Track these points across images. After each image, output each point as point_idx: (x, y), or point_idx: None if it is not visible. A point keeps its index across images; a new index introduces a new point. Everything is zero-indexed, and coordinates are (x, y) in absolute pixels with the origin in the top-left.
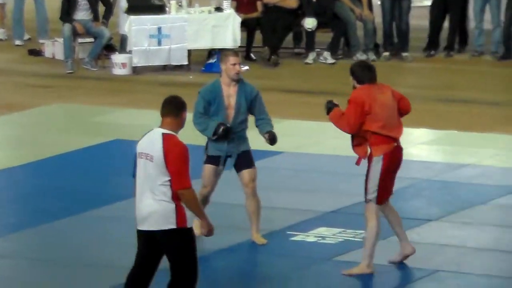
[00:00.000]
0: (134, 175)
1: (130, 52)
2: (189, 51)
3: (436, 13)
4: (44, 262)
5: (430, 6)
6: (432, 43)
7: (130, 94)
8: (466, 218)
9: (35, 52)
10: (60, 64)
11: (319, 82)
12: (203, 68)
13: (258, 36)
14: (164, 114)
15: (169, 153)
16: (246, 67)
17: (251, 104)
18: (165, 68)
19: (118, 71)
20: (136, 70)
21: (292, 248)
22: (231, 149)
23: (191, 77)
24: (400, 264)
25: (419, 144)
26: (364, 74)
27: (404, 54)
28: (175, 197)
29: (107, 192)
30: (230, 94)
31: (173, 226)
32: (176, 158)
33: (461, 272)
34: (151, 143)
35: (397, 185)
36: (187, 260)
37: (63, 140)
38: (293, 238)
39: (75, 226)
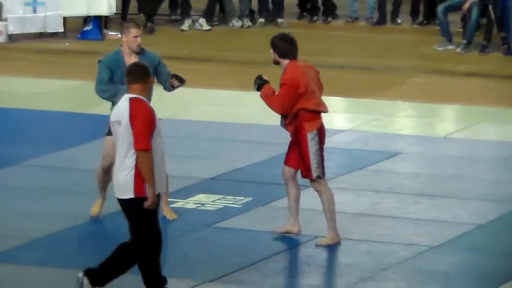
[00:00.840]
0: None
1: (5, 19)
2: (65, 18)
3: None
4: None
5: None
6: (303, 10)
7: (6, 61)
8: (344, 183)
9: None
10: None
11: (195, 49)
12: (79, 36)
13: (133, 3)
14: (130, 81)
15: (133, 114)
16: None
17: (155, 71)
18: (41, 35)
19: None
20: (12, 37)
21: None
22: None
23: (67, 44)
24: None
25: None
26: (287, 48)
27: (280, 20)
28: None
29: None
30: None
31: (131, 196)
32: (140, 119)
33: (341, 237)
34: (119, 110)
35: (275, 150)
36: (138, 229)
37: None
38: (172, 205)
39: None
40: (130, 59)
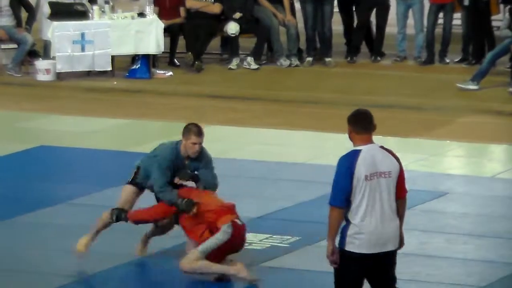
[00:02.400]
0: None
1: (53, 58)
2: (113, 57)
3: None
4: None
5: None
6: (353, 49)
7: (54, 100)
8: None
9: None
10: None
11: (243, 88)
12: (127, 74)
13: (181, 41)
14: (369, 129)
15: (401, 167)
16: (170, 73)
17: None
18: (89, 74)
19: (42, 77)
20: (60, 76)
21: None
22: None
23: (115, 83)
24: None
25: (343, 150)
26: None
27: (327, 59)
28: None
29: (32, 198)
30: (185, 165)
31: (398, 246)
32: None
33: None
34: (385, 161)
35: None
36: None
37: None
38: None
39: (0, 232)
40: (186, 160)
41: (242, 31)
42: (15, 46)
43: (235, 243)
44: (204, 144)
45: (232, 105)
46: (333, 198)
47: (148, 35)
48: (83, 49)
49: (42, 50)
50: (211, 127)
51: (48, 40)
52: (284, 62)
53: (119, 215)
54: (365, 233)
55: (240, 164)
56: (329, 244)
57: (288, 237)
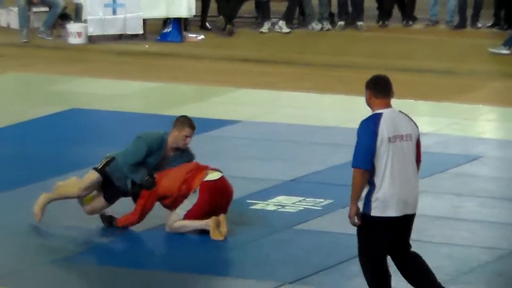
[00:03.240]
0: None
1: (85, 21)
2: (144, 20)
3: None
4: (5, 228)
5: None
6: (384, 13)
7: (86, 63)
8: (425, 186)
9: None
10: (15, 33)
11: (274, 51)
12: (159, 37)
13: (213, 5)
14: (388, 94)
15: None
16: (202, 37)
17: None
18: (120, 37)
19: (73, 40)
20: (91, 39)
21: (252, 217)
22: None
23: (146, 46)
24: None
25: None
26: None
27: (359, 23)
28: None
29: (65, 160)
30: (167, 156)
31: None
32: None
33: (421, 240)
34: (403, 123)
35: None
36: None
37: (19, 109)
38: (253, 207)
39: (34, 194)
40: (169, 151)
41: None
42: (46, 9)
43: (217, 198)
44: (235, 108)
45: (263, 68)
46: (357, 160)
47: None
48: (114, 12)
49: (74, 13)
50: (242, 90)
51: (79, 3)
52: (315, 26)
53: (110, 222)
54: (390, 197)
55: (272, 127)
56: (352, 207)
57: (321, 200)
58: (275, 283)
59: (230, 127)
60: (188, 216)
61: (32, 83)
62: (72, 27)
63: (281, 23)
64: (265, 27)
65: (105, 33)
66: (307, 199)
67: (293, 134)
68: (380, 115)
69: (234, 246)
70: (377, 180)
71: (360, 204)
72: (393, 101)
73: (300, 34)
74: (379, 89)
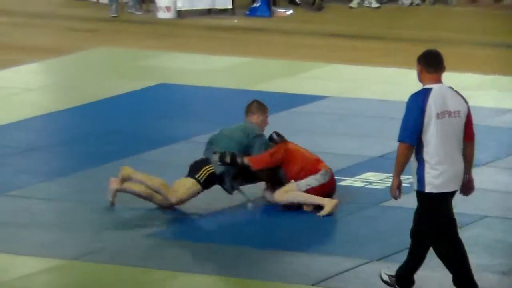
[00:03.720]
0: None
1: None
2: None
3: None
4: (90, 205)
5: None
6: None
7: (175, 38)
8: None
9: None
10: (105, 8)
11: (363, 26)
12: (248, 12)
13: None
14: (440, 69)
15: (469, 109)
16: (290, 11)
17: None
18: (209, 12)
19: (162, 14)
20: (180, 13)
21: (339, 192)
22: None
23: (235, 21)
24: None
25: (464, 88)
26: None
27: None
28: None
29: (153, 136)
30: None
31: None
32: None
33: (508, 217)
34: (454, 99)
35: None
36: None
37: (109, 84)
38: (340, 183)
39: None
40: None
41: None
42: None
43: (327, 190)
44: (324, 83)
45: (352, 43)
46: (403, 134)
47: None
48: None
49: None
50: (331, 66)
51: None
52: (405, 0)
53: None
54: (441, 172)
55: (361, 103)
56: (394, 180)
57: (408, 176)
58: (362, 260)
59: (319, 102)
60: (309, 191)
61: (121, 58)
62: (161, 1)
63: None
64: (355, 2)
65: (194, 8)
66: None
67: (382, 110)
68: (429, 90)
69: (321, 222)
70: (426, 156)
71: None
72: (482, 77)
73: (389, 9)
74: (431, 63)
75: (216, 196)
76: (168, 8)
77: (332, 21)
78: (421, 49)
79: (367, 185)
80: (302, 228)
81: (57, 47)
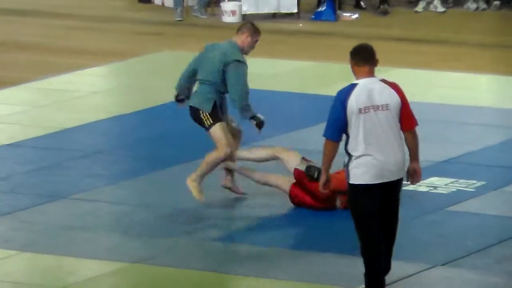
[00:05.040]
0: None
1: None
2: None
3: None
4: (154, 208)
5: None
6: None
7: None
8: None
9: (145, 0)
10: (170, 12)
11: (429, 31)
12: (313, 16)
13: None
14: (368, 61)
15: (403, 97)
16: (356, 15)
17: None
18: (274, 16)
19: (227, 18)
20: (245, 17)
21: (404, 197)
22: None
23: (300, 25)
24: None
25: None
26: None
27: None
28: None
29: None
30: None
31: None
32: (407, 100)
33: None
34: (380, 93)
35: (507, 134)
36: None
37: (173, 87)
38: (405, 188)
39: (187, 173)
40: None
41: None
42: None
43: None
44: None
45: (418, 48)
46: (326, 130)
47: None
48: None
49: None
50: (397, 69)
51: None
52: (471, 5)
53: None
54: (366, 165)
55: (426, 107)
56: (323, 176)
57: (474, 181)
58: (426, 265)
59: None
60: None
61: (185, 62)
62: (227, 5)
63: (436, 2)
64: (420, 6)
65: (259, 12)
66: (459, 181)
67: (447, 114)
68: (354, 86)
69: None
70: (351, 150)
71: None
72: None
73: (455, 13)
74: (359, 56)
75: (268, 202)
76: (233, 12)
77: (397, 25)
78: (487, 54)
79: (431, 189)
80: None
81: (122, 50)
